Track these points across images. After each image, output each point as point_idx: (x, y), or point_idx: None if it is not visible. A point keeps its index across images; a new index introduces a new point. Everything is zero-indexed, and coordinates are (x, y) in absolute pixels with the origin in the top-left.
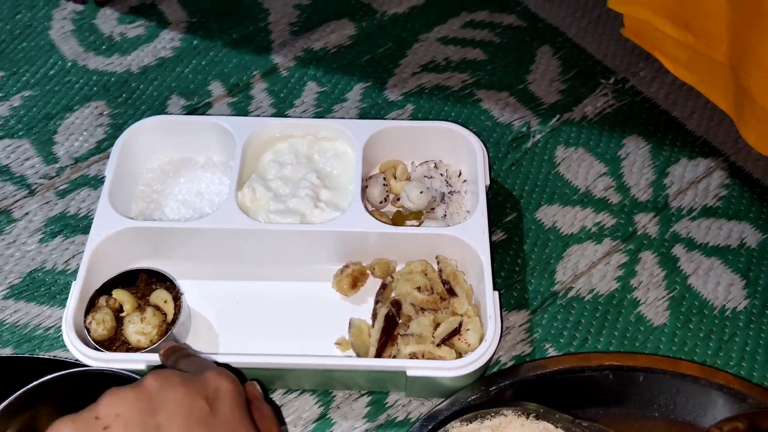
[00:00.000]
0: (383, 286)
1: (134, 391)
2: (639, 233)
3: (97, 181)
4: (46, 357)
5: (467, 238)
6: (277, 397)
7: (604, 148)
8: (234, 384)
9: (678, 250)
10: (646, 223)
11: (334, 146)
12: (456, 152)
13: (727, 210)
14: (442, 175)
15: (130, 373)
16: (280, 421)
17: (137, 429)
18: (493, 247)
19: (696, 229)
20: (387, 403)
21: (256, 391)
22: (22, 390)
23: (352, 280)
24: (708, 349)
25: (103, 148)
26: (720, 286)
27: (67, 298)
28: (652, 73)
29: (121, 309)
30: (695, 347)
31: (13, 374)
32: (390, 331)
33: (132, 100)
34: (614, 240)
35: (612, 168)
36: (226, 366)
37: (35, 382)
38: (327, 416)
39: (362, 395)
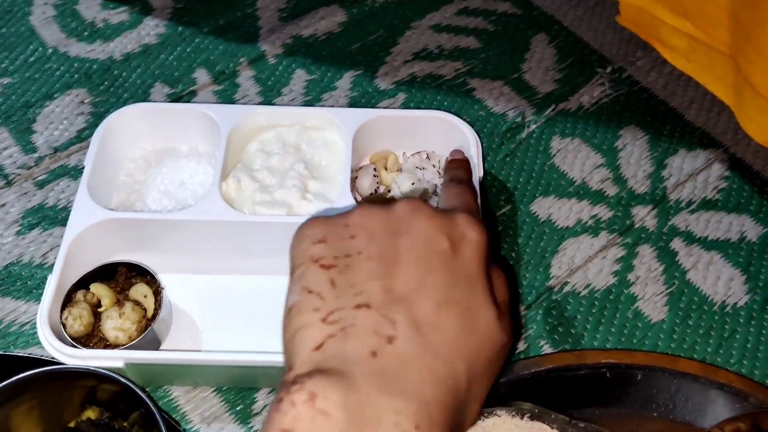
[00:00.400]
0: None
1: (386, 211)
2: (636, 226)
3: (77, 172)
4: (20, 354)
5: None
6: (263, 395)
7: (601, 138)
8: (483, 236)
9: (677, 243)
10: (643, 216)
11: (323, 136)
12: (449, 143)
13: (727, 203)
14: (434, 166)
15: (108, 372)
16: None
17: (379, 245)
18: None
19: (695, 222)
20: None
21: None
22: None
23: None
24: (708, 346)
25: (83, 137)
26: (720, 281)
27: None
28: (650, 63)
29: (99, 304)
30: (695, 344)
31: None
32: None
33: (114, 88)
34: (611, 233)
35: (609, 159)
36: None
37: (7, 381)
38: None
39: None
